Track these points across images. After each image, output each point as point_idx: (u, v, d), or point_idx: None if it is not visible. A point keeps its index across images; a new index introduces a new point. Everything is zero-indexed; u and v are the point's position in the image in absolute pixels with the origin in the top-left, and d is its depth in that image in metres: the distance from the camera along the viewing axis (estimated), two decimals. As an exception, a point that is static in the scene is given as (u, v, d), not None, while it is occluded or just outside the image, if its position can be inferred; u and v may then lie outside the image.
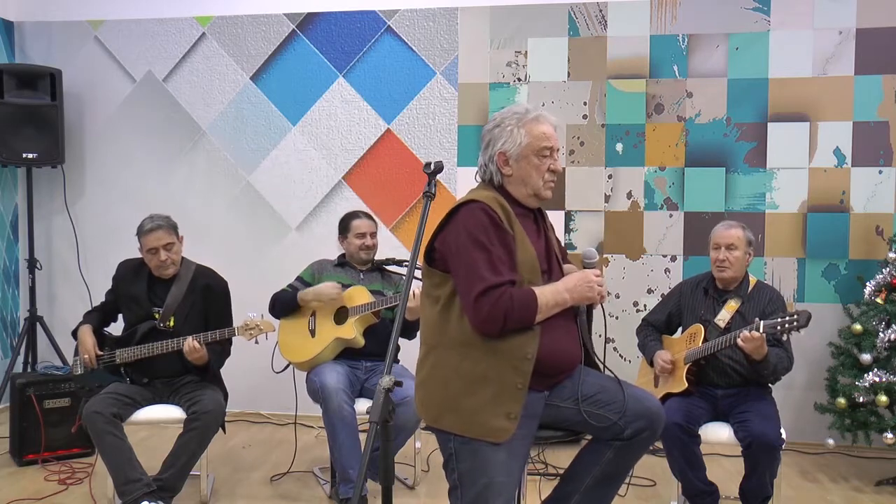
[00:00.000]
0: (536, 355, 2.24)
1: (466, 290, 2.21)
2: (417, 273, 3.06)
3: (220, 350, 3.57)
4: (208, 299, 3.63)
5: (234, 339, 3.59)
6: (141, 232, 3.55)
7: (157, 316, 3.55)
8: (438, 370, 2.29)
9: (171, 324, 3.54)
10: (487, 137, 2.38)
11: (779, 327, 3.00)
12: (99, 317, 3.67)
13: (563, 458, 2.53)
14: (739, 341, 3.07)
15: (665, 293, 3.86)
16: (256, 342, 3.55)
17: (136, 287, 3.60)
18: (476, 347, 2.23)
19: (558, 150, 2.39)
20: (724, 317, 3.35)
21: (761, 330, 3.03)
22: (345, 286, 3.74)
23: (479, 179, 2.43)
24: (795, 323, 2.97)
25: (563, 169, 4.73)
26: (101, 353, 3.54)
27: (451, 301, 2.27)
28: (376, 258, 3.88)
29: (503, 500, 2.23)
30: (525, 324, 2.21)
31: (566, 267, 2.50)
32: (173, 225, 3.58)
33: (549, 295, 2.25)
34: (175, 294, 3.57)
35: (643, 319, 3.68)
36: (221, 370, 3.69)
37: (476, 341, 2.23)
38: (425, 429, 2.39)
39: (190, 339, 3.41)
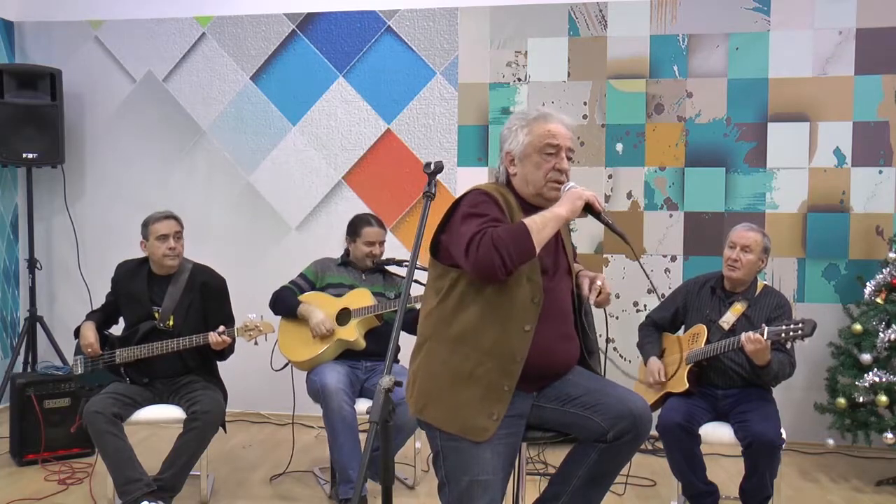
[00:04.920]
0: (529, 359, 2.23)
1: (460, 252, 2.18)
2: (417, 274, 3.07)
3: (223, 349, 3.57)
4: (206, 297, 3.63)
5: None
6: (151, 220, 3.57)
7: (156, 315, 3.56)
8: (429, 362, 2.31)
9: (171, 323, 3.55)
10: (500, 141, 2.42)
11: (783, 335, 3.00)
12: (101, 317, 3.68)
13: (562, 457, 2.52)
14: (743, 339, 3.08)
15: (665, 293, 3.86)
16: (256, 343, 3.55)
17: (136, 286, 3.60)
18: (467, 344, 2.24)
19: (569, 149, 2.36)
20: (728, 319, 3.34)
21: (765, 336, 3.03)
22: (347, 286, 3.75)
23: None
24: (800, 331, 2.97)
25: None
26: (102, 352, 3.54)
27: (449, 294, 2.28)
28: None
29: (488, 497, 2.24)
30: (524, 250, 2.14)
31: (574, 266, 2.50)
32: (180, 220, 3.64)
33: (537, 217, 2.20)
34: (173, 293, 3.57)
35: (647, 317, 3.67)
36: (221, 370, 3.70)
37: (468, 338, 2.24)
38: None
39: (213, 335, 3.45)
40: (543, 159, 2.31)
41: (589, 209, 2.29)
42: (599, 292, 2.36)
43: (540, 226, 2.18)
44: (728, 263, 3.38)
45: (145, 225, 3.59)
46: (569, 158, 2.36)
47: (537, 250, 2.17)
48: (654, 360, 3.44)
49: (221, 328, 3.48)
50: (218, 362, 3.68)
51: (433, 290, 2.35)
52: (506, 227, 2.17)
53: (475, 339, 2.23)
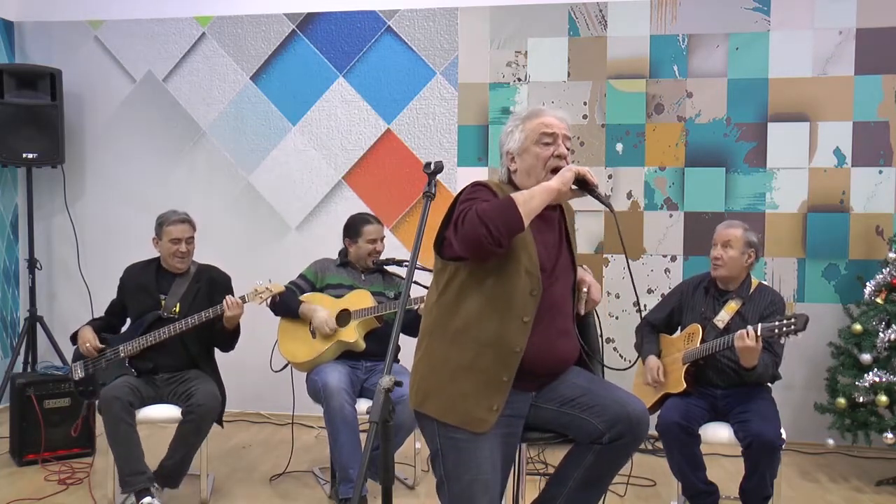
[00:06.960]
0: (528, 353, 2.24)
1: (452, 235, 2.20)
2: (417, 274, 3.07)
3: (232, 333, 3.60)
4: (212, 288, 3.69)
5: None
6: (166, 221, 3.62)
7: (162, 304, 3.60)
8: (429, 356, 2.32)
9: (177, 310, 3.60)
10: (500, 145, 2.44)
11: (776, 331, 3.00)
12: (102, 323, 3.72)
13: (562, 457, 2.52)
14: (735, 337, 3.08)
15: (665, 293, 3.86)
16: (268, 304, 3.59)
17: (144, 279, 3.67)
18: (466, 336, 2.25)
19: (566, 137, 2.36)
20: (723, 317, 3.35)
21: (758, 332, 3.02)
22: (347, 287, 3.75)
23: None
24: (793, 327, 2.97)
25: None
26: (103, 346, 3.56)
27: (449, 286, 2.29)
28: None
29: (489, 496, 2.24)
30: (511, 220, 2.12)
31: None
32: (194, 223, 3.70)
33: (525, 191, 2.21)
34: (179, 283, 3.65)
35: (643, 318, 3.66)
36: (221, 370, 3.71)
37: (467, 329, 2.24)
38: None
39: (229, 297, 3.48)
40: (541, 149, 2.32)
41: (583, 184, 2.25)
42: (586, 301, 2.39)
43: (527, 197, 2.17)
44: (712, 262, 3.41)
45: (160, 224, 3.64)
46: (567, 148, 2.36)
47: (526, 222, 2.15)
48: (652, 359, 3.44)
49: (236, 300, 3.51)
50: (218, 362, 3.70)
51: (434, 285, 2.37)
52: (492, 201, 2.18)
53: (474, 331, 2.24)
